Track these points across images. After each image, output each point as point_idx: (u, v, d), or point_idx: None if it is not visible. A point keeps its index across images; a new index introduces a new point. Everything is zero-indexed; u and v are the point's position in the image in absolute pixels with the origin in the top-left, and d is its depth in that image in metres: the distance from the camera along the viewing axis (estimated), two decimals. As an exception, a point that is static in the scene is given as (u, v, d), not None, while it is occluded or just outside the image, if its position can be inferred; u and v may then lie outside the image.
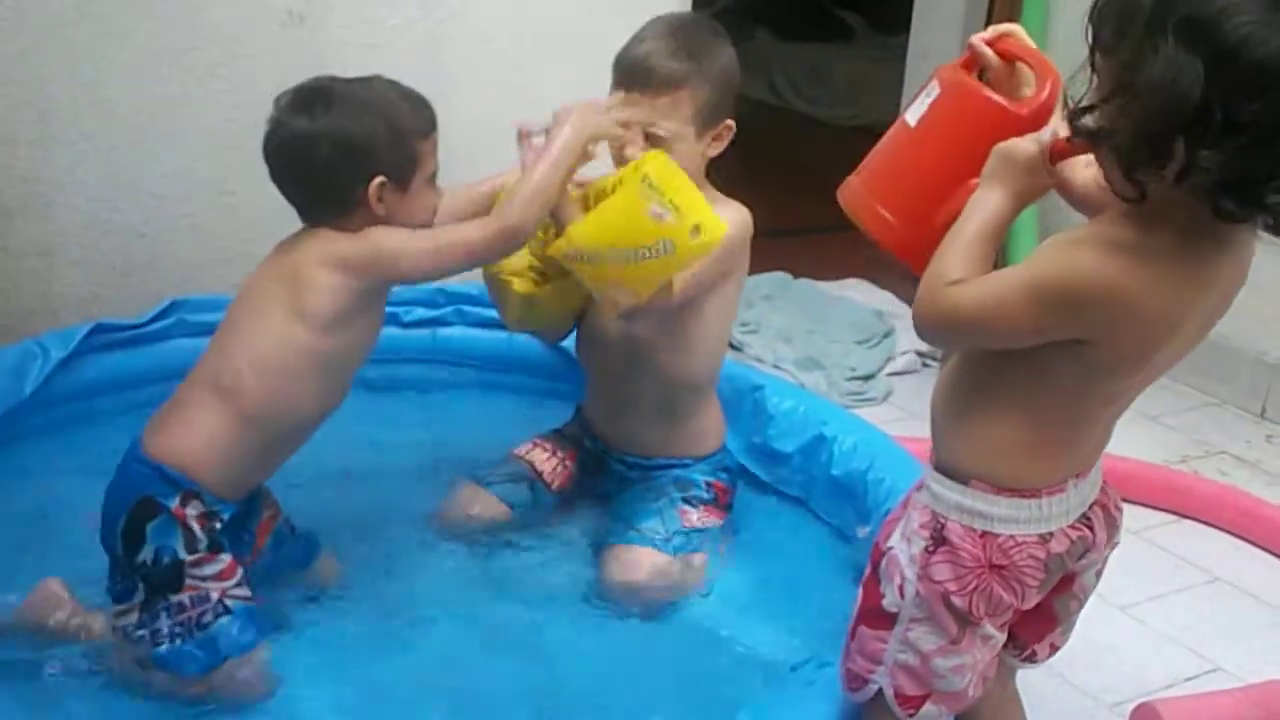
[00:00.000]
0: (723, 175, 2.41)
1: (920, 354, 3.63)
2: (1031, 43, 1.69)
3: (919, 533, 1.64)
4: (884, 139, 1.77)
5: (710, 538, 2.42)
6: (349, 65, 3.08)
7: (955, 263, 1.55)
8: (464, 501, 2.47)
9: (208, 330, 2.54)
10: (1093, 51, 1.44)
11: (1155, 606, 2.57)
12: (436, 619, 2.23)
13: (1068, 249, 1.49)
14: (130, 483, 2.04)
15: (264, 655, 2.05)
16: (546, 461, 2.54)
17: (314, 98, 2.06)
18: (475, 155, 3.27)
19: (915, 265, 1.65)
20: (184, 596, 2.01)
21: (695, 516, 2.41)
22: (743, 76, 2.38)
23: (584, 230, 2.15)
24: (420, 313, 2.99)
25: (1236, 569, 2.75)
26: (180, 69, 2.88)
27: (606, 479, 2.54)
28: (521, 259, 2.38)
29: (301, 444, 2.16)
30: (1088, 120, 1.43)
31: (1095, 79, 1.43)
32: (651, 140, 2.28)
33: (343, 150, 2.02)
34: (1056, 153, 1.56)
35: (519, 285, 2.39)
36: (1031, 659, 1.82)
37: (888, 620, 1.68)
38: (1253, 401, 3.48)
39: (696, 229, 2.12)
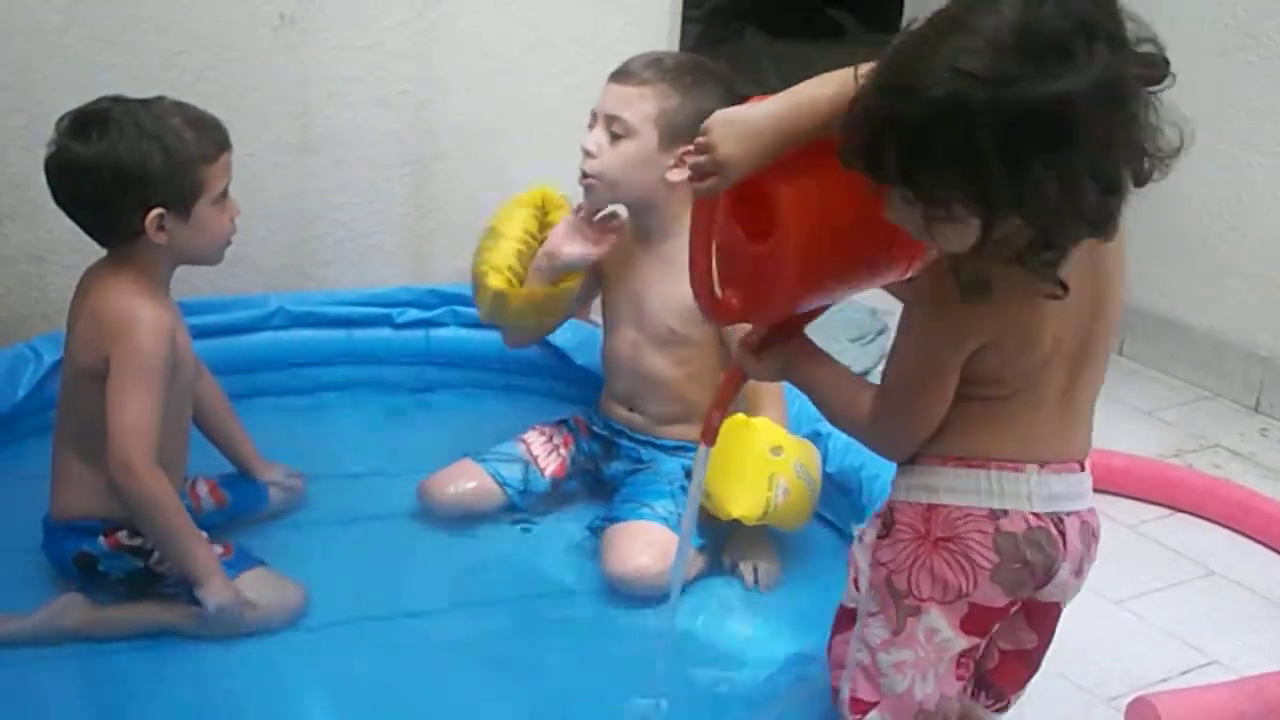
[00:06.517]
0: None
1: (914, 351, 3.64)
2: None
3: (873, 522, 1.65)
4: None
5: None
6: (339, 68, 3.09)
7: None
8: (456, 474, 2.50)
9: (200, 333, 2.55)
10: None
11: (1150, 600, 2.58)
12: (423, 614, 2.25)
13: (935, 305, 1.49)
14: (60, 551, 2.12)
15: (267, 570, 2.16)
16: (543, 447, 2.56)
17: (91, 122, 2.03)
18: (466, 157, 3.28)
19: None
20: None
21: None
22: (734, 74, 2.37)
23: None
24: (413, 314, 2.98)
25: (1231, 562, 2.76)
26: (170, 72, 2.86)
27: (616, 462, 2.54)
28: (504, 256, 2.42)
29: (186, 450, 2.21)
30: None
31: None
32: (610, 129, 2.31)
33: (117, 179, 1.99)
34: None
35: (493, 280, 2.43)
36: (1004, 708, 1.78)
37: (850, 619, 1.68)
38: (1246, 395, 3.48)
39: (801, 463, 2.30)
